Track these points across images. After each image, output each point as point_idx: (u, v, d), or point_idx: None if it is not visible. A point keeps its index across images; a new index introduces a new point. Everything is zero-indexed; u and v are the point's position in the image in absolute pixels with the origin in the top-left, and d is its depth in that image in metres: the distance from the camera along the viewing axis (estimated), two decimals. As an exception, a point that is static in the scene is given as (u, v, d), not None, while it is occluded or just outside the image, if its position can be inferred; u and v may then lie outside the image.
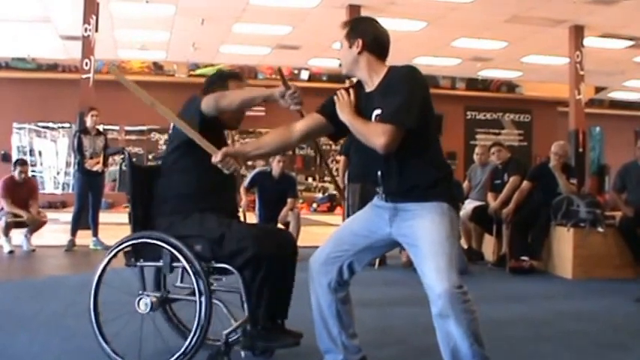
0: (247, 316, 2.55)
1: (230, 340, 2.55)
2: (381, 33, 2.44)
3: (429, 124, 2.35)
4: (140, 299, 2.60)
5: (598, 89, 15.82)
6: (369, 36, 2.40)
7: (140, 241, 2.66)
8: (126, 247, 2.69)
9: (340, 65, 2.53)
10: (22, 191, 6.86)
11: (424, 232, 2.25)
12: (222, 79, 2.81)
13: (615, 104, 16.89)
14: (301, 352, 2.71)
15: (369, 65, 2.38)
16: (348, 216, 10.04)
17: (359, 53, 2.39)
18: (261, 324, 2.57)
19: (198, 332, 2.50)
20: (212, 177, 2.60)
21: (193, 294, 2.54)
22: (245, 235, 2.56)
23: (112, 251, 2.68)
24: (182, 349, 2.52)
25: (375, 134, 2.25)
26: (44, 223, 6.99)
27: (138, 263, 2.69)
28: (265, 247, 2.53)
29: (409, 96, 2.25)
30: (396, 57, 2.50)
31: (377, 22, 2.50)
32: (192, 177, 2.71)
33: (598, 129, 16.51)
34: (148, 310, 2.59)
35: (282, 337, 2.62)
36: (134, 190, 2.77)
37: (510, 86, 15.78)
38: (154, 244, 2.62)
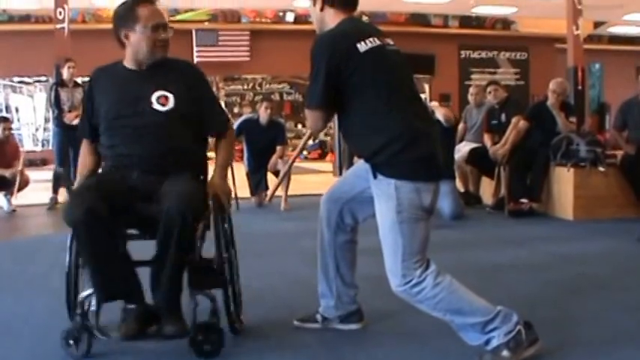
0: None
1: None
2: None
3: (359, 88, 2.15)
4: None
5: (597, 24, 15.39)
6: None
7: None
8: None
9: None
10: (5, 150, 6.60)
11: (378, 218, 2.22)
12: (130, 9, 2.46)
13: (615, 39, 16.45)
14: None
15: (333, 22, 2.25)
16: (341, 161, 9.86)
17: (321, 10, 2.28)
18: (99, 300, 2.27)
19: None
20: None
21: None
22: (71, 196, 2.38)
23: None
24: None
25: (306, 117, 2.37)
26: (26, 181, 6.75)
27: None
28: (75, 212, 2.19)
29: (313, 75, 2.21)
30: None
31: None
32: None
33: (597, 65, 16.14)
34: None
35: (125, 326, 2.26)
36: None
37: (506, 23, 15.37)
38: None
